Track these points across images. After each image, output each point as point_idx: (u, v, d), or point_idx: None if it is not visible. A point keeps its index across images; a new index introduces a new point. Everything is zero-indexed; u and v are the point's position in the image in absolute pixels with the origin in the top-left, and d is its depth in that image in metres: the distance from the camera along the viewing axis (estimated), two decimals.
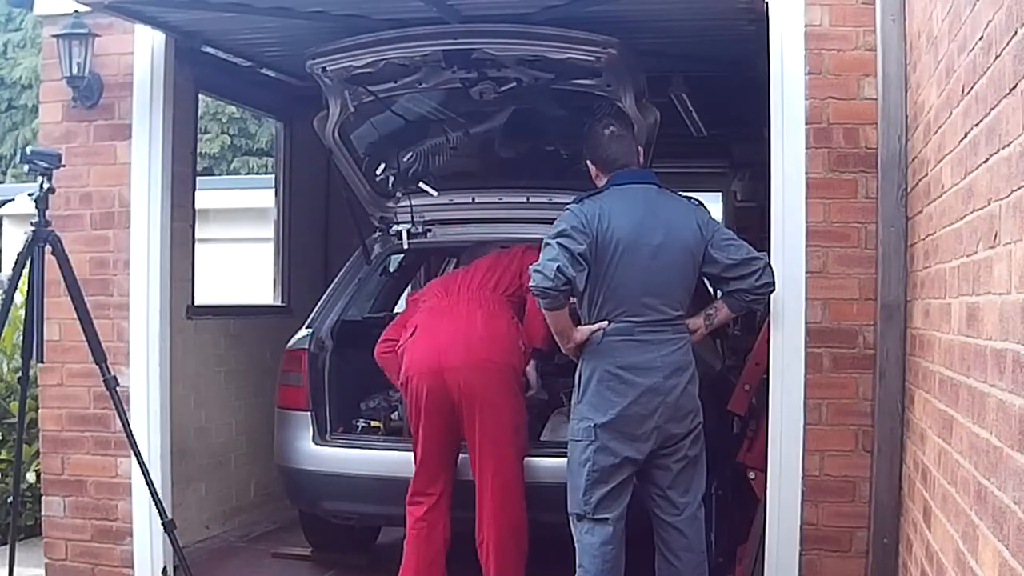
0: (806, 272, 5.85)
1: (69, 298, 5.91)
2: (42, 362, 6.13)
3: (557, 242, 5.56)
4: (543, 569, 6.40)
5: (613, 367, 5.60)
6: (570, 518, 5.77)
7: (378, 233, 7.81)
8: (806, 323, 5.85)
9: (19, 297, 9.33)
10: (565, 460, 6.00)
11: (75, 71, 6.75)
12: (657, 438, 5.63)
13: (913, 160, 5.43)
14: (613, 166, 5.90)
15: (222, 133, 28.61)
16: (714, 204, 14.58)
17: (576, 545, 5.77)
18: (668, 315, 5.69)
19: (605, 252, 5.60)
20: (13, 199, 20.31)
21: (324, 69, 6.64)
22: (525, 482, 6.41)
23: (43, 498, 7.13)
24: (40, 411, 7.15)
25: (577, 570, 5.77)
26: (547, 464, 6.50)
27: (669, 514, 5.80)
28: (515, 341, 6.46)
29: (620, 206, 5.70)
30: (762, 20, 5.97)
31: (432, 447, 6.34)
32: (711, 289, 6.54)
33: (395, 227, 7.72)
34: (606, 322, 5.65)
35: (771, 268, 5.71)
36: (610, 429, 5.58)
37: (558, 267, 5.42)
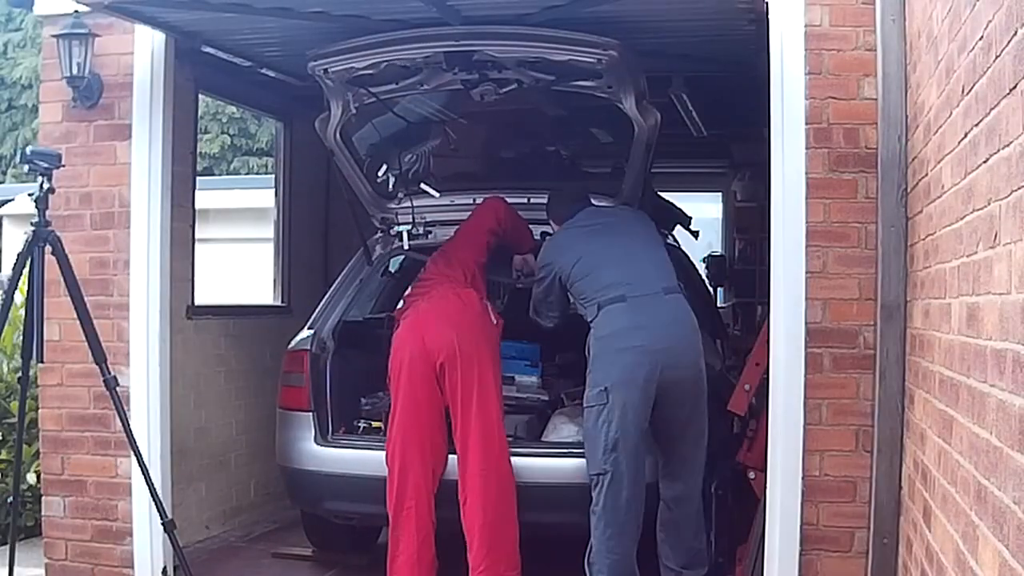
0: (806, 272, 5.84)
1: (69, 298, 5.91)
2: (42, 362, 6.13)
3: None
4: (543, 569, 6.39)
5: None
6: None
7: (379, 234, 7.81)
8: (806, 323, 5.85)
9: (19, 297, 9.36)
10: (566, 460, 6.05)
11: (75, 71, 6.75)
12: None
13: (913, 160, 5.42)
14: None
15: (222, 133, 28.60)
16: (714, 204, 14.60)
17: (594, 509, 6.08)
18: None
19: None
20: (13, 199, 20.32)
21: (326, 70, 6.64)
22: (525, 483, 6.42)
23: (43, 498, 7.12)
24: (40, 411, 7.15)
25: (595, 532, 6.04)
26: (547, 464, 6.50)
27: None
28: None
29: None
30: (762, 20, 5.97)
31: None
32: (712, 290, 6.59)
33: (396, 228, 7.73)
34: None
35: None
36: None
37: None
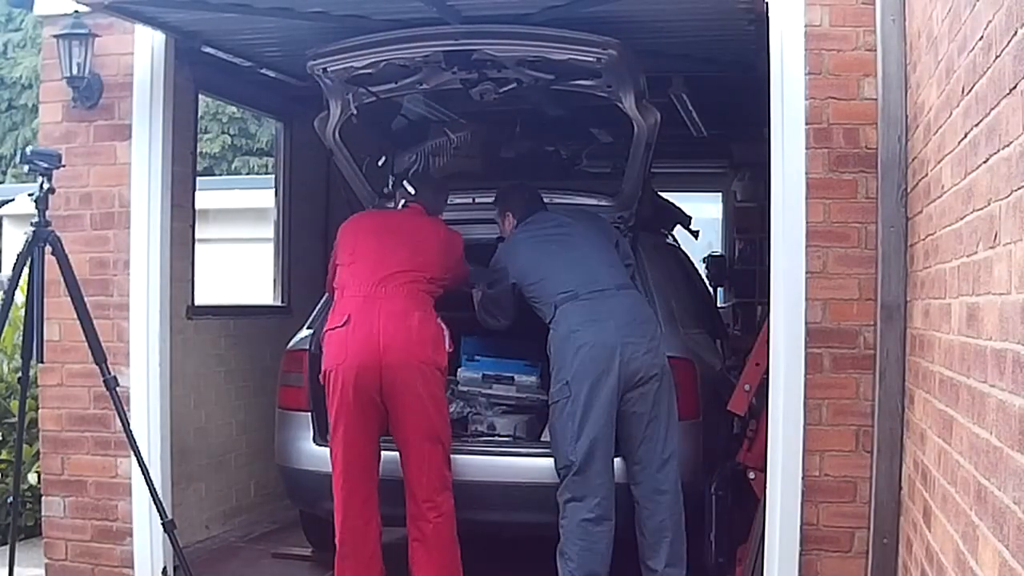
0: (806, 272, 5.85)
1: (69, 298, 5.91)
2: (42, 362, 6.13)
3: None
4: (543, 569, 6.39)
5: None
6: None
7: None
8: (806, 323, 5.85)
9: (20, 297, 9.36)
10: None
11: (75, 71, 6.75)
12: None
13: (913, 160, 5.42)
14: None
15: (222, 133, 28.58)
16: (714, 204, 14.60)
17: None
18: None
19: None
20: (13, 199, 20.25)
21: (325, 70, 6.64)
22: (524, 483, 6.43)
23: (43, 498, 7.12)
24: (40, 411, 7.15)
25: (563, 522, 6.20)
26: (547, 464, 6.50)
27: None
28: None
29: None
30: (762, 20, 5.98)
31: None
32: (712, 290, 6.60)
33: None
34: None
35: None
36: None
37: None
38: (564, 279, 6.53)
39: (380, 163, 7.69)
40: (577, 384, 6.24)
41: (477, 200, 7.59)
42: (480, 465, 6.65)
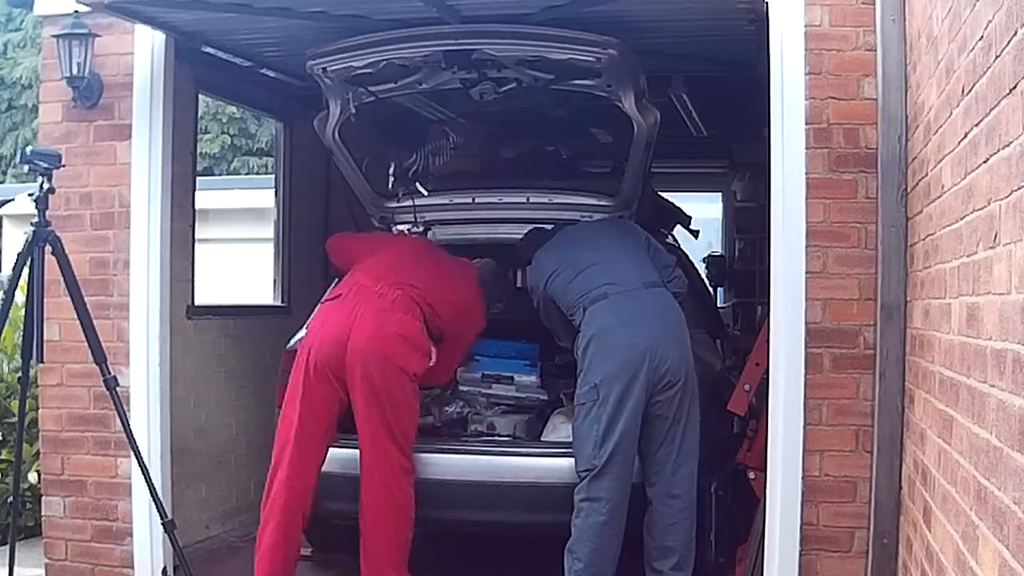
0: (806, 272, 5.85)
1: (69, 298, 5.91)
2: (42, 362, 6.13)
3: None
4: (543, 570, 6.40)
5: None
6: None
7: None
8: (806, 323, 5.85)
9: (20, 297, 9.36)
10: (565, 460, 6.05)
11: (75, 71, 6.75)
12: None
13: (913, 160, 5.42)
14: None
15: (222, 133, 28.58)
16: (714, 204, 14.59)
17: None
18: None
19: None
20: (13, 199, 20.25)
21: (324, 69, 6.64)
22: (525, 483, 6.42)
23: (43, 498, 7.12)
24: (40, 411, 7.15)
25: (576, 521, 6.13)
26: (547, 464, 6.50)
27: None
28: None
29: None
30: (762, 20, 5.98)
31: None
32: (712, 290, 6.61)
33: (395, 227, 7.73)
34: None
35: None
36: None
37: None
38: (592, 280, 6.50)
39: (391, 169, 7.71)
40: (606, 387, 6.17)
41: (477, 200, 7.59)
42: (480, 465, 6.65)
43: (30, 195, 5.85)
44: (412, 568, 6.45)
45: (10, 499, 6.26)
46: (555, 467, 6.55)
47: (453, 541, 6.41)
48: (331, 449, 6.65)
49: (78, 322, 5.95)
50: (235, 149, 29.12)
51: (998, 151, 3.15)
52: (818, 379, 5.85)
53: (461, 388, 7.28)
